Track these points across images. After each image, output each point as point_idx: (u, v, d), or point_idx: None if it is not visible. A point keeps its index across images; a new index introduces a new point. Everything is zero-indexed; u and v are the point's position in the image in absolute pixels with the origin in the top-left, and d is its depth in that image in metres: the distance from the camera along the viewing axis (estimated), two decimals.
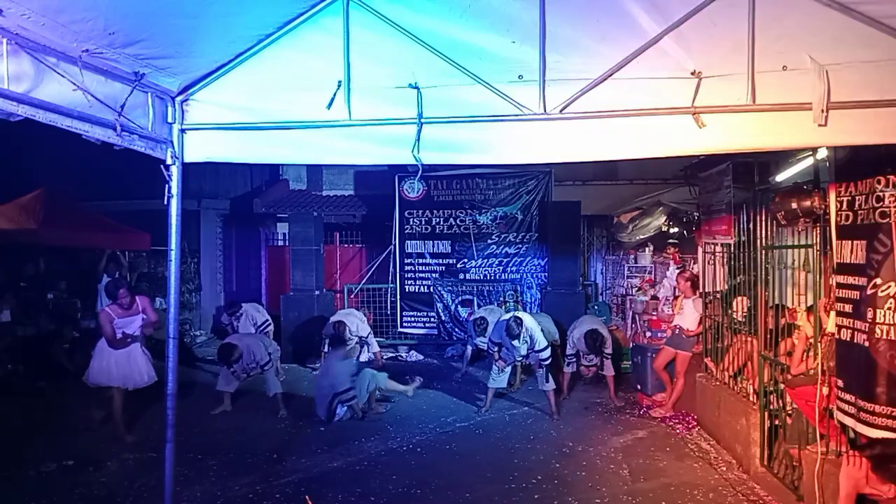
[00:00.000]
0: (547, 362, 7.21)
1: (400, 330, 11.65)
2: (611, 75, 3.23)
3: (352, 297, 11.78)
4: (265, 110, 3.59)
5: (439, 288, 11.55)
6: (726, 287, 6.56)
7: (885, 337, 3.56)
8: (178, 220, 3.73)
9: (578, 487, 5.21)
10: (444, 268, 11.66)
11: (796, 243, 5.03)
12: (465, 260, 11.58)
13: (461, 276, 11.57)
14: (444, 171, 11.19)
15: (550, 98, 3.29)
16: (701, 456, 5.91)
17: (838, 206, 3.99)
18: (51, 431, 6.68)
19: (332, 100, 3.45)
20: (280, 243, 14.06)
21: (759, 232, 5.40)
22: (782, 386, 5.06)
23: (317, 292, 10.87)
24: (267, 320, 9.44)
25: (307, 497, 4.84)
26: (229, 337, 8.08)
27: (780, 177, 5.42)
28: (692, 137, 3.16)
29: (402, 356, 10.92)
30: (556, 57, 3.27)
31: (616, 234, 11.48)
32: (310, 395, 8.21)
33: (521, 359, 7.45)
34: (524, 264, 11.47)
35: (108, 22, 2.79)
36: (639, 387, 7.89)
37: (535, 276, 11.41)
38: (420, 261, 11.75)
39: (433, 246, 11.71)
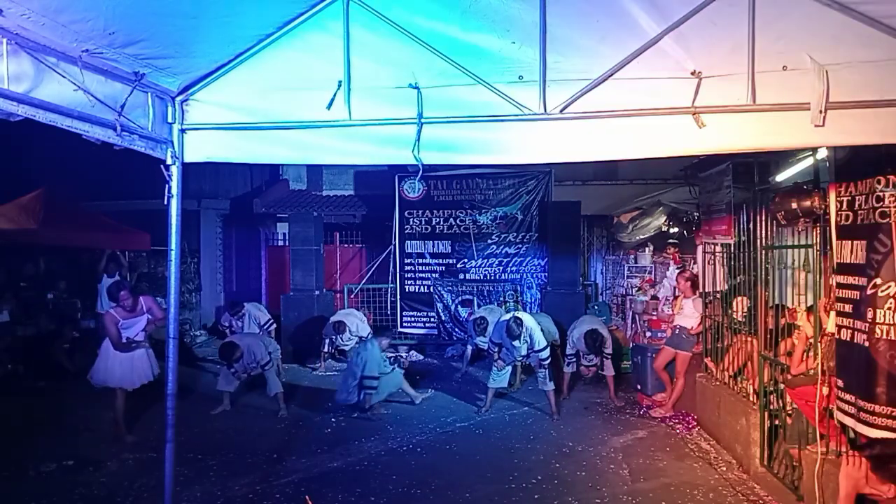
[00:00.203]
0: (547, 362, 7.21)
1: (400, 330, 11.65)
2: (611, 75, 3.23)
3: (352, 297, 11.78)
4: (265, 110, 3.59)
5: (439, 288, 11.56)
6: (726, 287, 6.56)
7: (885, 337, 3.56)
8: (178, 220, 3.73)
9: (578, 487, 5.21)
10: (444, 268, 11.66)
11: (796, 243, 5.03)
12: (465, 260, 11.58)
13: (461, 276, 11.57)
14: (444, 171, 11.20)
15: (551, 98, 3.29)
16: (701, 456, 5.91)
17: (838, 206, 3.99)
18: (51, 431, 6.68)
19: (332, 100, 3.44)
20: (280, 243, 14.06)
21: (759, 232, 5.41)
22: (782, 386, 5.06)
23: (317, 292, 10.88)
24: (270, 320, 9.46)
25: (307, 497, 4.84)
26: (230, 336, 8.09)
27: (780, 177, 5.42)
28: (692, 137, 3.16)
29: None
30: (556, 57, 3.27)
31: (616, 234, 11.48)
32: (309, 396, 8.24)
33: (521, 359, 7.46)
34: (524, 264, 11.47)
35: (108, 22, 2.79)
36: (639, 387, 7.89)
37: (535, 276, 11.42)
38: (420, 261, 11.76)
39: (433, 246, 11.72)
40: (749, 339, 5.72)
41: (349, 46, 3.41)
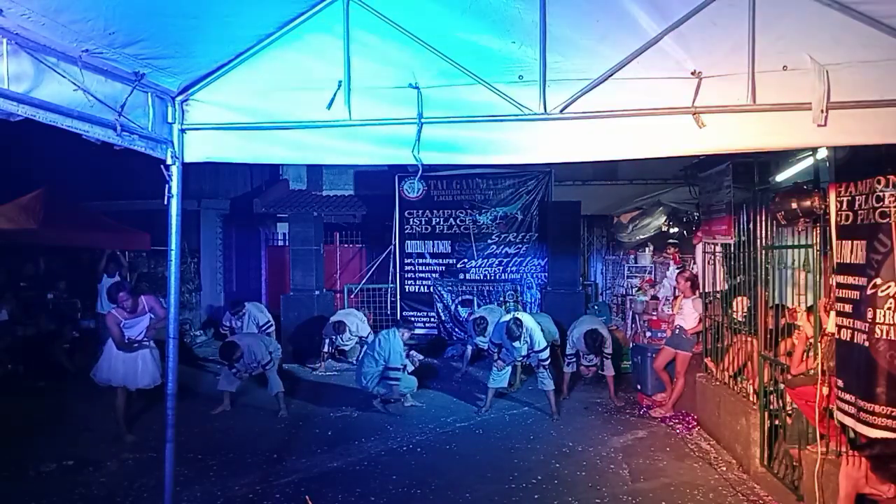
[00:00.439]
0: (547, 363, 7.21)
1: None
2: (611, 75, 3.22)
3: (352, 297, 11.78)
4: (265, 110, 3.59)
5: (439, 288, 11.56)
6: (726, 287, 6.56)
7: (885, 337, 3.55)
8: (178, 220, 3.73)
9: (578, 487, 5.21)
10: (444, 268, 11.66)
11: (796, 243, 5.03)
12: (465, 260, 11.58)
13: (461, 276, 11.57)
14: (444, 171, 11.20)
15: (551, 98, 3.29)
16: (701, 456, 5.91)
17: (838, 206, 3.99)
18: (51, 431, 6.68)
19: (332, 100, 3.44)
20: (280, 243, 14.06)
21: (759, 232, 5.41)
22: (782, 386, 5.06)
23: (317, 292, 10.87)
24: (269, 321, 9.45)
25: (307, 497, 4.85)
26: (231, 336, 8.09)
27: (780, 177, 5.42)
28: (692, 137, 3.16)
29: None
30: (556, 57, 3.27)
31: (616, 234, 11.48)
32: (310, 396, 8.24)
33: (520, 359, 7.46)
34: (524, 264, 11.47)
35: (108, 22, 2.79)
36: (639, 387, 7.89)
37: (535, 276, 11.42)
38: (420, 261, 11.76)
39: (433, 246, 11.72)
40: (749, 339, 5.72)
41: (349, 46, 3.41)
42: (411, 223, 11.73)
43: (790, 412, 4.94)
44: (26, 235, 9.15)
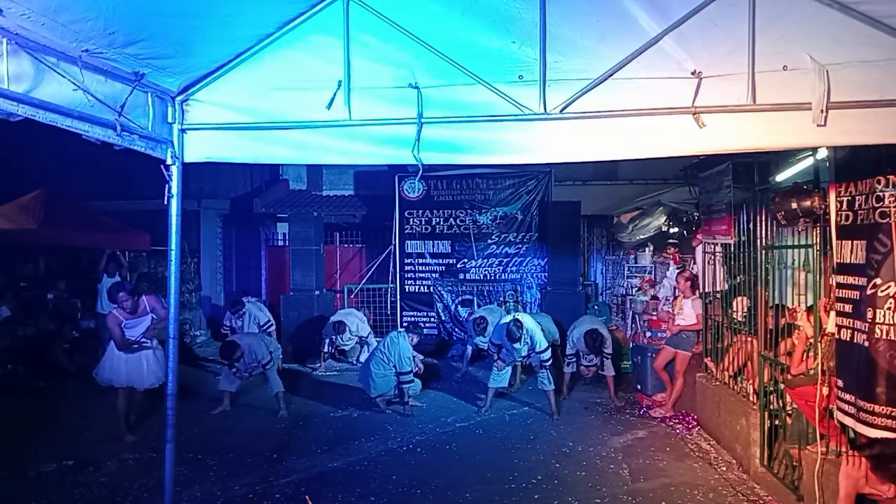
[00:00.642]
0: (548, 363, 7.20)
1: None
2: (611, 75, 3.23)
3: (352, 297, 11.77)
4: (265, 110, 3.59)
5: (439, 288, 11.55)
6: (726, 287, 6.56)
7: (884, 337, 3.56)
8: (178, 220, 3.73)
9: (578, 487, 5.21)
10: (444, 268, 11.65)
11: (796, 243, 5.02)
12: (465, 260, 11.57)
13: (461, 276, 11.56)
14: (444, 171, 11.19)
15: (550, 98, 3.29)
16: (701, 456, 5.91)
17: (838, 206, 3.99)
18: (51, 431, 6.68)
19: (332, 100, 3.45)
20: (280, 243, 14.06)
21: (759, 232, 5.41)
22: (782, 386, 5.06)
23: (317, 292, 10.87)
24: (269, 320, 9.45)
25: (307, 497, 4.84)
26: (231, 336, 8.09)
27: (780, 177, 5.42)
28: (692, 137, 3.16)
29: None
30: (556, 57, 3.27)
31: (616, 234, 11.48)
32: (310, 396, 8.25)
33: (521, 359, 7.46)
34: (524, 264, 11.46)
35: (108, 22, 2.79)
36: (639, 387, 7.89)
37: (535, 276, 11.41)
38: (420, 261, 11.75)
39: (433, 246, 11.71)
40: (749, 339, 5.72)
41: (349, 46, 3.41)
42: (411, 223, 11.72)
43: (790, 412, 4.94)
44: (26, 235, 9.15)
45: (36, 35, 2.64)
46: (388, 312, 11.80)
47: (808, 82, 2.93)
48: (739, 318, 6.09)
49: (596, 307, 10.90)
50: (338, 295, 12.20)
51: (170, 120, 3.63)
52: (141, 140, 3.44)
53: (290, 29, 3.48)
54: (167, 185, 3.66)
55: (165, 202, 3.67)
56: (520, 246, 11.47)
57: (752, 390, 5.54)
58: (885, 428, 3.56)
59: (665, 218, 10.53)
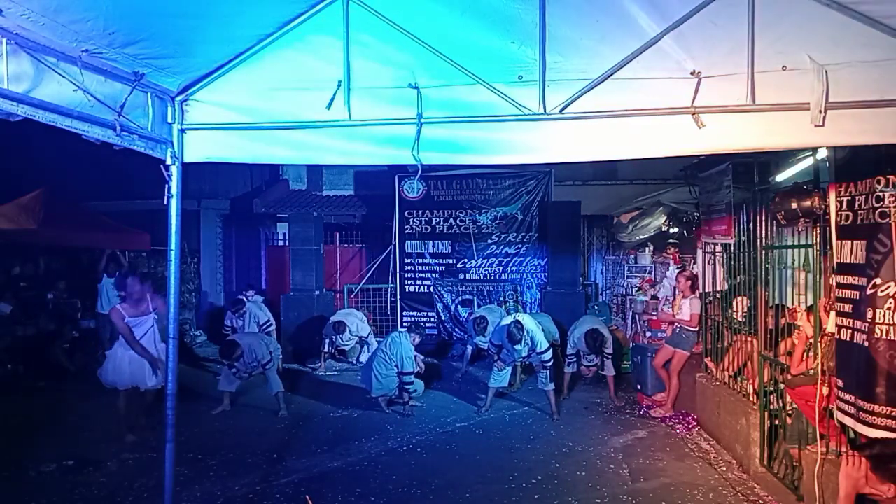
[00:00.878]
0: (549, 364, 7.20)
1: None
2: (610, 76, 3.23)
3: (352, 297, 11.78)
4: (265, 110, 3.59)
5: (439, 288, 11.55)
6: (726, 287, 6.56)
7: (884, 337, 3.56)
8: (177, 220, 3.73)
9: (578, 487, 5.21)
10: (444, 268, 11.65)
11: (796, 243, 5.02)
12: (465, 260, 11.57)
13: (461, 276, 11.56)
14: (444, 171, 11.19)
15: (550, 98, 3.29)
16: (701, 456, 5.91)
17: (838, 206, 3.99)
18: (51, 431, 6.68)
19: (332, 100, 3.45)
20: (280, 243, 14.06)
21: (759, 232, 5.41)
22: (782, 386, 5.06)
23: (317, 292, 10.87)
24: (269, 320, 9.45)
25: (307, 497, 4.84)
26: (231, 336, 8.09)
27: (780, 177, 5.42)
28: (692, 137, 3.16)
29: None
30: (556, 57, 3.27)
31: (616, 234, 11.48)
32: (310, 395, 8.25)
33: (521, 359, 7.46)
34: (524, 264, 11.47)
35: (108, 22, 2.79)
36: (639, 387, 7.89)
37: (535, 276, 11.41)
38: (420, 261, 11.75)
39: (433, 246, 11.71)
40: (749, 339, 5.72)
41: (349, 46, 3.41)
42: (411, 223, 11.72)
43: (790, 412, 4.94)
44: (26, 235, 9.15)
45: (36, 35, 2.64)
46: (388, 312, 11.80)
47: (808, 82, 2.93)
48: (739, 318, 6.09)
49: (596, 307, 10.90)
50: (338, 295, 12.20)
51: (169, 120, 3.63)
52: (141, 140, 3.44)
53: (290, 29, 3.47)
54: (167, 185, 3.65)
55: (165, 202, 3.67)
56: (520, 246, 11.47)
57: (752, 390, 5.54)
58: (885, 428, 3.56)
59: (665, 218, 10.53)
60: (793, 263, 5.32)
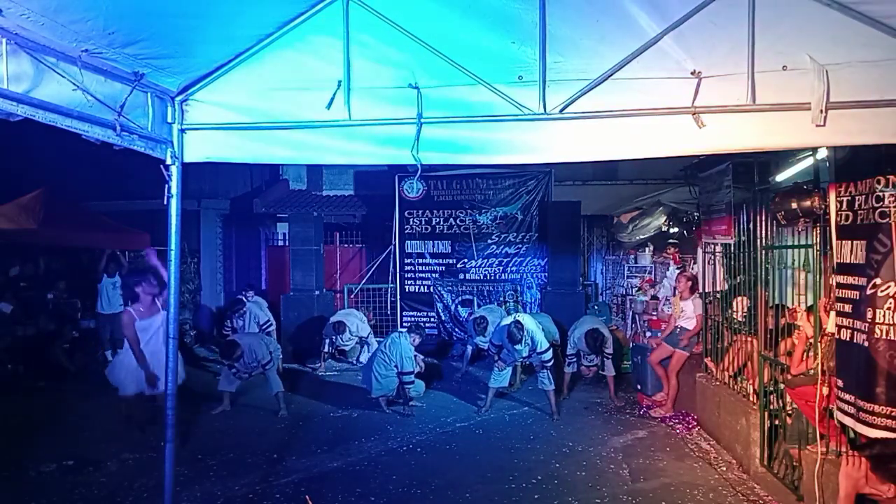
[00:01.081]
0: (549, 364, 7.20)
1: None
2: (611, 76, 3.23)
3: (352, 297, 11.78)
4: (265, 110, 3.59)
5: (439, 288, 11.56)
6: (726, 287, 6.56)
7: (884, 337, 3.56)
8: (177, 220, 3.73)
9: (578, 487, 5.21)
10: (444, 268, 11.66)
11: (796, 243, 5.02)
12: (465, 260, 11.58)
13: (461, 276, 11.57)
14: (444, 171, 11.20)
15: (550, 98, 3.29)
16: (701, 456, 5.91)
17: (838, 206, 3.99)
18: (51, 431, 6.68)
19: (332, 100, 3.45)
20: (280, 243, 14.06)
21: (759, 232, 5.40)
22: (782, 386, 5.05)
23: (317, 292, 10.87)
24: (269, 320, 9.44)
25: (307, 497, 4.84)
26: (231, 335, 8.09)
27: (780, 177, 5.42)
28: (692, 137, 3.16)
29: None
30: (556, 57, 3.27)
31: (616, 234, 11.48)
32: (310, 395, 8.24)
33: (521, 359, 7.46)
34: (524, 264, 11.47)
35: (108, 22, 2.79)
36: (639, 387, 7.89)
37: (535, 276, 11.41)
38: (420, 261, 11.75)
39: (433, 246, 11.71)
40: (749, 339, 5.72)
41: (349, 46, 3.41)
42: (411, 223, 11.73)
43: (790, 412, 4.94)
44: (26, 235, 9.15)
45: (35, 35, 2.64)
46: (388, 312, 11.81)
47: (808, 82, 2.93)
48: (739, 318, 6.09)
49: (596, 307, 10.91)
50: (338, 295, 12.20)
51: (169, 120, 3.63)
52: (141, 140, 3.44)
53: (290, 29, 3.47)
54: (167, 185, 3.66)
55: (165, 202, 3.67)
56: (520, 246, 11.47)
57: (752, 390, 5.54)
58: (885, 428, 3.56)
59: (665, 218, 10.54)
60: (793, 263, 5.32)
